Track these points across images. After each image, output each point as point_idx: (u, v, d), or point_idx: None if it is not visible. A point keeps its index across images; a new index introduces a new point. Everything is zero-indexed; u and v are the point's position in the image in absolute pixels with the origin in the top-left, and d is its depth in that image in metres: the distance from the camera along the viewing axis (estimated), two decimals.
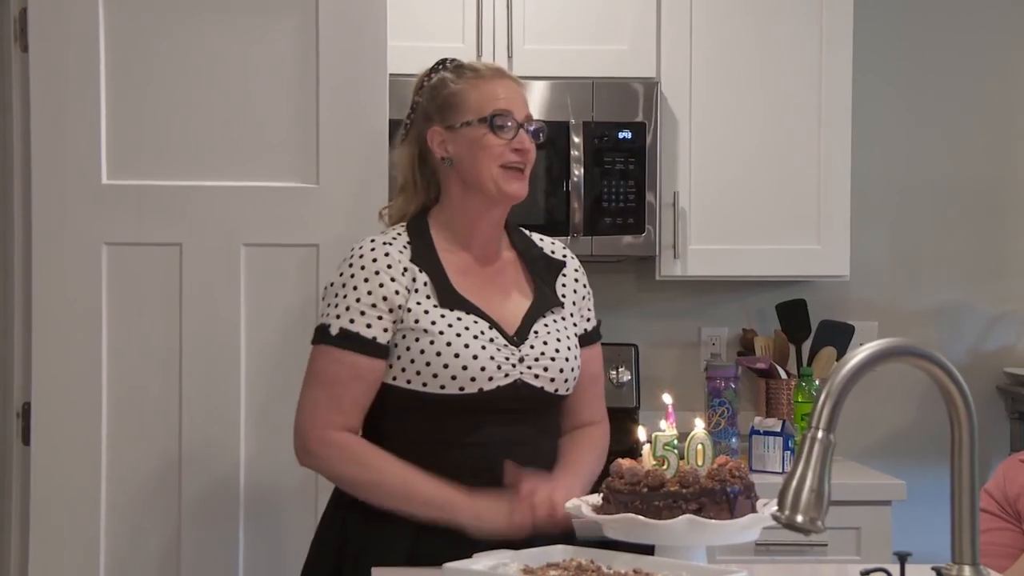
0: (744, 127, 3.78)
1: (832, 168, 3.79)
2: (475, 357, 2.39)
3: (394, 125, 3.13)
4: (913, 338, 1.75)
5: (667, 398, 2.31)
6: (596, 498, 2.26)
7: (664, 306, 4.09)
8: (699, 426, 2.24)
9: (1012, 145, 4.21)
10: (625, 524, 2.13)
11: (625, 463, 2.20)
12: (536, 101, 3.62)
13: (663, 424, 2.24)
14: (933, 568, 1.77)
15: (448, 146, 2.51)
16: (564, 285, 2.59)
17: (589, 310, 2.64)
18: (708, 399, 3.77)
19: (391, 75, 3.10)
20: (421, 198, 2.56)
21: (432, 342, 2.39)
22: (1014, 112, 4.21)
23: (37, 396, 3.02)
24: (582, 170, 3.63)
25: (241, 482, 3.05)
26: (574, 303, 2.60)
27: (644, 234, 3.68)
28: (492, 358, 2.40)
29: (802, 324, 3.99)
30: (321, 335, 2.45)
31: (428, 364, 2.39)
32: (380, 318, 2.41)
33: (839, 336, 3.93)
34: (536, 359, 2.45)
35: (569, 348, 2.52)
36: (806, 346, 3.99)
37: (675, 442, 2.20)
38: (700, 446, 2.19)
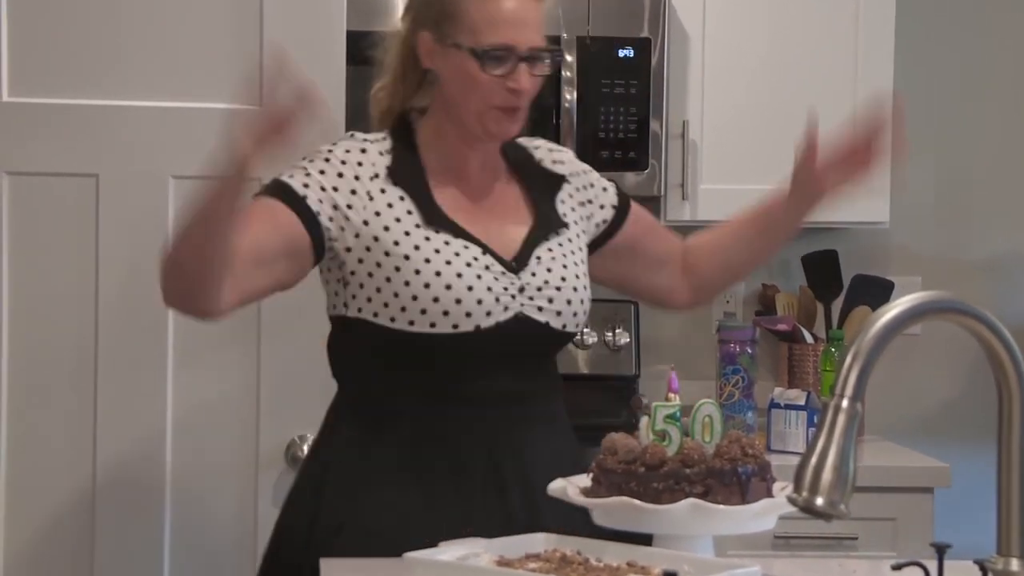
0: (767, 45, 3.80)
1: (871, 94, 3.75)
2: (470, 288, 2.40)
3: (352, 37, 3.21)
4: (962, 295, 1.78)
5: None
6: (584, 479, 2.26)
7: None
8: (707, 396, 2.30)
9: None
10: (618, 509, 2.13)
11: (619, 438, 2.19)
12: None
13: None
14: (975, 561, 1.80)
15: (435, 59, 2.48)
16: (563, 202, 2.60)
17: (596, 197, 2.65)
18: (720, 366, 3.80)
19: None
20: (408, 94, 2.54)
21: (418, 271, 2.39)
22: None
23: None
24: (575, 95, 3.65)
25: (168, 452, 3.11)
26: (576, 220, 2.60)
27: (648, 171, 3.70)
28: (490, 288, 2.42)
29: (832, 279, 4.03)
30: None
31: (415, 298, 2.39)
32: (323, 189, 2.40)
33: (876, 293, 3.95)
34: (539, 288, 2.47)
35: (577, 276, 2.54)
36: (836, 305, 4.03)
37: (678, 414, 2.20)
38: (707, 419, 2.20)
